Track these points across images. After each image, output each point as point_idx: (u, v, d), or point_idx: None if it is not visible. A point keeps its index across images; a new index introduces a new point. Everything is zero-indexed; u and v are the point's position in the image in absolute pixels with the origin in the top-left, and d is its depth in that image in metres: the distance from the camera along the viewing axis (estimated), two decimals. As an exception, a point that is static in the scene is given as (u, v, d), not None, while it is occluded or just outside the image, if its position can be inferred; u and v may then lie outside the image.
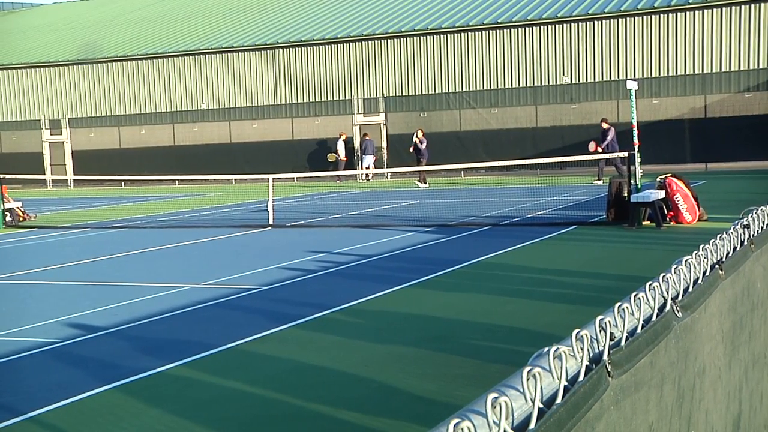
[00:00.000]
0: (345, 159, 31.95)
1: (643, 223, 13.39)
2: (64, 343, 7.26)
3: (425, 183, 25.97)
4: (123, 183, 33.49)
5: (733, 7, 29.21)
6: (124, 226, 17.94)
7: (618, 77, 29.40)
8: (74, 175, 36.00)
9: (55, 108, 40.61)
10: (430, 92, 33.32)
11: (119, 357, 6.74)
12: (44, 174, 36.22)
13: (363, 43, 36.17)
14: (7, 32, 51.90)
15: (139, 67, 40.40)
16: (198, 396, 5.63)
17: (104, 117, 38.17)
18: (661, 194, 13.40)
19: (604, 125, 23.17)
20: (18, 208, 19.69)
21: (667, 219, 13.42)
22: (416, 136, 26.96)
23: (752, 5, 28.93)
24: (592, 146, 22.40)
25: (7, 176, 19.85)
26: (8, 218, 19.06)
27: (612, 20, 31.16)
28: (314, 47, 37.06)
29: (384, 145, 32.75)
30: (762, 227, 3.12)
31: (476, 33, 33.74)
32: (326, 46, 36.85)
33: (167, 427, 5.05)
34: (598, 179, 22.59)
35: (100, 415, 5.28)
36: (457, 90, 32.87)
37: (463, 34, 34.10)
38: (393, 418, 5.05)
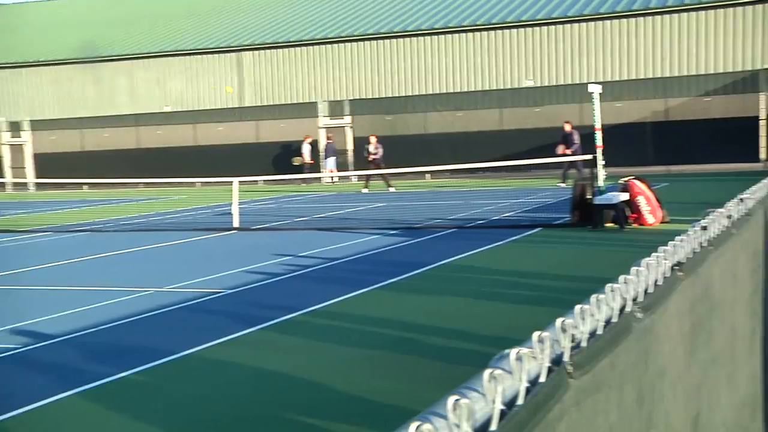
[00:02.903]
0: (311, 162, 31.90)
1: (607, 225, 13.55)
2: (23, 348, 7.16)
3: (391, 187, 26.05)
4: (86, 186, 33.10)
5: (694, 13, 29.68)
6: (87, 230, 17.74)
7: (581, 80, 29.71)
8: (36, 178, 35.52)
9: (16, 110, 40.03)
10: (395, 95, 33.40)
11: (82, 362, 6.66)
12: (3, 177, 35.66)
13: (328, 45, 36.15)
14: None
15: (102, 69, 39.97)
16: (163, 401, 5.59)
17: (67, 119, 37.71)
18: (624, 197, 13.56)
19: (567, 127, 23.34)
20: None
21: (630, 221, 13.58)
22: (370, 145, 27.05)
23: (712, 11, 29.42)
24: (560, 149, 22.58)
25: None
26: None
27: (575, 24, 31.49)
28: (278, 50, 36.96)
29: (350, 147, 32.75)
30: (720, 229, 3.18)
31: (441, 36, 33.89)
32: (291, 48, 36.77)
33: (133, 430, 5.01)
34: (563, 182, 22.79)
35: (62, 422, 5.22)
36: (422, 93, 32.99)
37: (428, 37, 34.22)
38: (360, 421, 5.06)
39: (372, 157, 26.95)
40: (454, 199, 21.27)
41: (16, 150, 37.21)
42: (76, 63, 40.07)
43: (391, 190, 25.65)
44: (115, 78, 39.74)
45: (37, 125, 37.32)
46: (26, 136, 36.94)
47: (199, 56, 38.30)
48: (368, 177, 26.26)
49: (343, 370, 6.07)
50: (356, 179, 31.67)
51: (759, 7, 28.74)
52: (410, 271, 10.22)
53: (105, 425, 5.16)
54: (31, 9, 56.13)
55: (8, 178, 35.47)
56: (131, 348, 7.08)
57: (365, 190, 25.97)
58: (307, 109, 33.60)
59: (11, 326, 8.10)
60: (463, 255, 11.42)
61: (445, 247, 12.47)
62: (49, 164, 35.93)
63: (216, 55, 38.02)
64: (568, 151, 22.39)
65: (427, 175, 29.69)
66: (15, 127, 37.56)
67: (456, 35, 33.73)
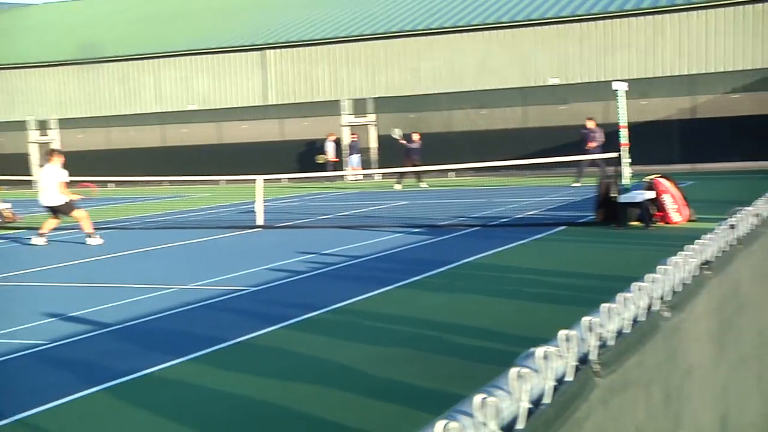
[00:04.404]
0: (335, 160, 31.94)
1: (632, 223, 13.44)
2: (51, 344, 7.23)
3: (423, 183, 26.14)
4: (112, 184, 33.34)
5: (721, 9, 29.37)
6: (113, 228, 17.87)
7: (607, 78, 29.49)
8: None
9: (43, 109, 40.44)
10: (419, 93, 33.34)
11: (107, 359, 6.71)
12: (31, 175, 36.00)
13: (352, 43, 36.17)
14: (-6, 33, 51.61)
15: (128, 68, 40.27)
16: (186, 397, 5.61)
17: (93, 118, 38.00)
18: (650, 195, 13.44)
19: (590, 124, 23.04)
20: (6, 209, 19.58)
21: (656, 219, 13.46)
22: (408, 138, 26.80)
23: (740, 7, 29.10)
24: (589, 143, 22.36)
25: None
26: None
27: (601, 21, 31.29)
28: (303, 48, 37.04)
29: (374, 145, 32.74)
30: (749, 227, 3.14)
31: (465, 34, 33.82)
32: (315, 46, 36.84)
33: (156, 428, 5.03)
34: (577, 181, 22.48)
35: (88, 417, 5.25)
36: (446, 91, 32.91)
37: (452, 34, 34.16)
38: (381, 418, 5.05)
39: (410, 145, 26.45)
40: (478, 197, 21.21)
41: (44, 148, 37.53)
42: (104, 62, 40.40)
43: (422, 186, 25.73)
44: (141, 77, 40.03)
45: (63, 124, 37.63)
46: (54, 135, 37.26)
47: (224, 55, 38.47)
48: (417, 174, 26.26)
49: (366, 368, 6.07)
50: (380, 177, 31.67)
51: (788, 3, 28.40)
52: (433, 269, 10.19)
53: (130, 421, 5.19)
54: (58, 9, 56.68)
55: (36, 176, 35.78)
56: (155, 345, 7.12)
57: (423, 185, 25.99)
58: (331, 107, 33.62)
59: (36, 323, 8.18)
60: (486, 253, 11.38)
61: (468, 245, 12.43)
62: (75, 162, 36.18)
63: (240, 54, 38.18)
64: (592, 145, 22.12)
65: (451, 173, 29.62)
66: (43, 126, 37.89)
67: (480, 33, 33.64)
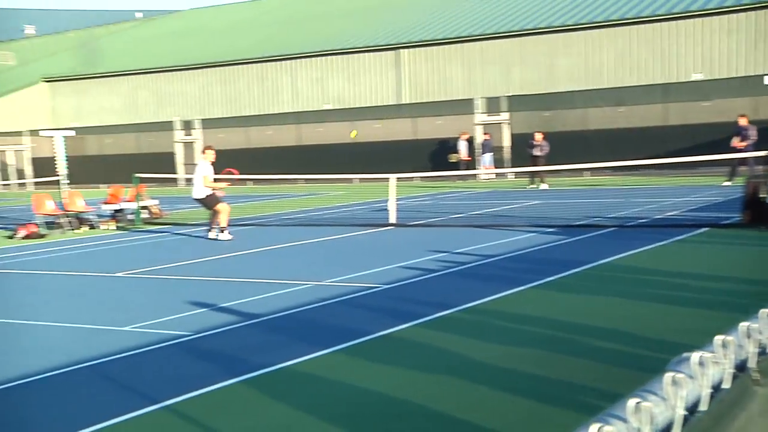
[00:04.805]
0: (468, 159, 31.82)
1: (782, 225, 12.71)
2: (195, 336, 7.52)
3: (544, 183, 25.58)
4: (250, 182, 34.45)
5: None
6: (250, 224, 18.46)
7: (756, 72, 28.03)
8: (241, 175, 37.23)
9: (188, 109, 42.26)
10: (554, 91, 32.75)
11: (246, 351, 6.92)
12: (176, 173, 37.66)
13: (485, 42, 35.93)
14: (145, 39, 54.43)
15: (266, 69, 41.51)
16: (321, 391, 5.70)
17: (234, 118, 39.37)
18: (802, 195, 12.68)
19: (743, 121, 22.00)
20: (154, 205, 20.57)
21: (809, 222, 12.68)
22: (536, 145, 26.28)
23: None
24: (735, 142, 21.40)
25: (144, 175, 20.75)
26: (145, 215, 19.94)
27: (747, 13, 29.77)
28: (436, 47, 37.08)
29: (507, 144, 32.38)
30: None
31: (603, 29, 32.95)
32: (448, 45, 36.81)
33: (292, 421, 5.14)
34: (729, 180, 21.52)
35: (227, 407, 5.43)
36: (582, 88, 32.17)
37: (589, 30, 33.37)
38: (514, 418, 4.97)
39: (536, 153, 26.18)
40: (614, 197, 20.61)
41: (188, 147, 39.24)
42: (244, 64, 41.80)
43: (543, 187, 25.19)
44: (278, 77, 41.18)
45: (207, 124, 39.16)
46: (197, 134, 38.86)
47: (358, 54, 39.03)
48: (533, 174, 25.83)
49: (498, 368, 5.99)
50: (513, 176, 31.30)
51: None
52: (567, 270, 9.97)
53: (268, 412, 5.32)
54: (201, 14, 59.06)
55: (181, 174, 37.45)
56: (290, 340, 7.29)
57: (536, 186, 25.61)
58: (464, 106, 33.50)
59: (180, 315, 8.54)
60: (623, 254, 11.03)
61: (604, 245, 12.09)
62: (217, 161, 37.58)
63: (374, 53, 38.62)
64: (741, 145, 21.12)
65: (586, 172, 28.93)
66: (188, 126, 39.58)
67: (619, 28, 32.70)
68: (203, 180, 15.50)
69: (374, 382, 5.81)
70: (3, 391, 6.04)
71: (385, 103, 37.14)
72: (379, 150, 33.99)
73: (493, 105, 32.98)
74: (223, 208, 15.54)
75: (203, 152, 16.26)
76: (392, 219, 16.73)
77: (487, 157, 31.69)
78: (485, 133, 32.17)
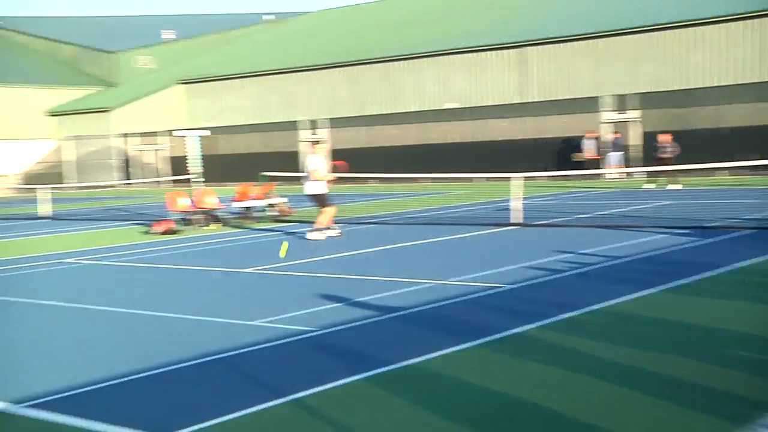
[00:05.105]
0: (594, 158, 31.07)
1: None
2: (321, 332, 7.64)
3: (676, 184, 24.63)
4: (373, 180, 34.78)
5: None
6: (373, 223, 18.62)
7: None
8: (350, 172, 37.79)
9: (314, 109, 43.07)
10: (687, 87, 31.52)
11: (371, 348, 6.98)
12: (300, 172, 38.45)
13: (614, 37, 34.99)
14: (274, 41, 55.89)
15: (391, 68, 41.82)
16: (446, 391, 5.67)
17: (359, 117, 39.82)
18: None
19: None
20: (282, 203, 21.06)
21: None
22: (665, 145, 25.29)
23: None
24: None
25: (271, 174, 21.29)
26: (273, 213, 20.45)
27: None
28: (562, 44, 36.40)
29: (636, 143, 31.40)
30: None
31: (740, 22, 31.48)
32: (574, 42, 36.06)
33: (417, 419, 5.13)
34: None
35: (353, 403, 5.48)
36: (718, 84, 30.84)
37: (725, 24, 31.95)
38: (647, 425, 4.80)
39: (662, 155, 25.33)
40: (754, 198, 19.65)
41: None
42: (368, 63, 42.26)
43: (673, 187, 24.25)
44: (403, 76, 41.41)
45: (333, 123, 39.77)
46: (323, 134, 39.57)
47: (483, 53, 38.76)
48: (655, 174, 24.95)
49: (628, 372, 5.80)
50: (645, 176, 30.33)
51: None
52: (701, 273, 9.57)
53: (391, 410, 5.33)
54: (330, 15, 60.06)
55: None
56: (414, 338, 7.29)
57: (659, 186, 24.77)
58: (591, 104, 32.72)
59: (306, 311, 8.70)
60: (762, 258, 10.49)
61: (741, 249, 11.54)
62: (342, 159, 38.10)
63: (498, 52, 38.27)
64: None
65: (723, 172, 27.68)
66: (313, 125, 40.33)
67: (758, 20, 31.15)
68: (315, 175, 15.60)
69: (499, 382, 5.74)
70: (138, 381, 6.32)
71: (508, 102, 36.73)
72: (502, 149, 33.65)
73: (621, 103, 32.06)
74: (329, 209, 15.61)
75: (314, 147, 16.32)
76: (516, 218, 16.51)
77: (616, 156, 30.84)
78: (615, 132, 31.30)
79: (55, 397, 5.92)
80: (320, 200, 15.70)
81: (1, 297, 10.50)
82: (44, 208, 25.87)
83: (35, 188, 29.25)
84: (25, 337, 8.27)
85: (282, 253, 12.54)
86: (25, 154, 49.56)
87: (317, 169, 15.57)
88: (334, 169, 17.31)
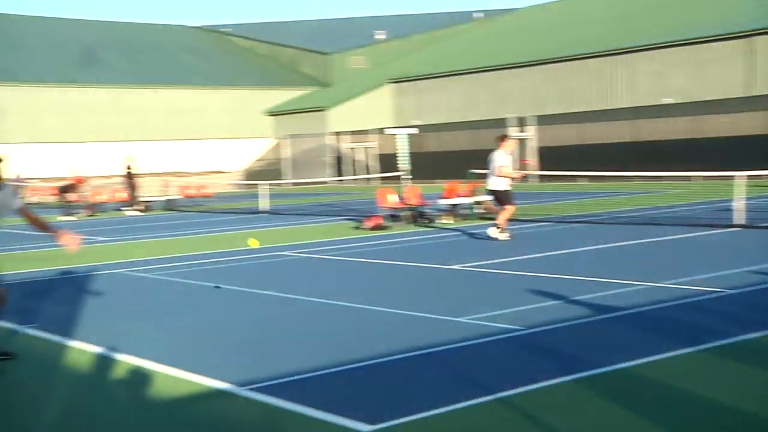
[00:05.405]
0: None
1: None
2: (528, 331, 7.54)
3: None
4: (584, 178, 33.91)
5: None
6: (585, 221, 18.15)
7: None
8: (541, 170, 37.36)
9: (522, 106, 42.64)
10: None
11: (580, 349, 6.79)
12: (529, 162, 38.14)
13: None
14: (482, 39, 55.97)
15: (602, 64, 40.61)
16: (659, 396, 5.41)
17: (567, 114, 38.97)
18: None
19: None
20: (489, 201, 21.01)
21: None
22: None
23: None
24: None
25: (479, 171, 21.25)
26: (480, 210, 20.46)
27: None
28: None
29: None
30: None
31: None
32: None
33: (627, 425, 4.93)
34: None
35: (561, 405, 5.36)
36: None
37: None
38: None
39: None
40: None
41: (522, 144, 39.63)
42: (577, 59, 41.24)
43: None
44: (615, 72, 40.06)
45: (540, 120, 39.20)
46: (531, 131, 39.09)
47: (703, 45, 36.71)
48: None
49: None
50: None
51: None
52: None
53: (600, 414, 5.17)
54: (539, 11, 59.33)
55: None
56: (625, 341, 7.02)
57: None
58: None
59: (512, 309, 8.61)
60: None
61: None
62: (551, 157, 37.37)
63: (721, 42, 36.08)
64: None
65: None
66: (521, 122, 39.94)
67: None
68: (499, 171, 15.26)
69: (718, 391, 5.40)
70: (350, 371, 6.52)
71: (733, 96, 34.49)
72: (724, 145, 31.67)
73: None
74: (509, 207, 15.23)
75: (502, 141, 15.67)
76: (739, 219, 15.48)
77: None
78: None
79: (274, 382, 6.24)
80: (502, 197, 15.38)
81: (226, 285, 11.23)
82: (263, 203, 27.42)
83: (256, 184, 31.07)
84: (245, 324, 8.79)
85: (253, 245, 13.54)
86: (247, 152, 52.81)
87: (502, 165, 15.24)
88: (522, 167, 16.92)
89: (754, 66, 35.03)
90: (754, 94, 34.03)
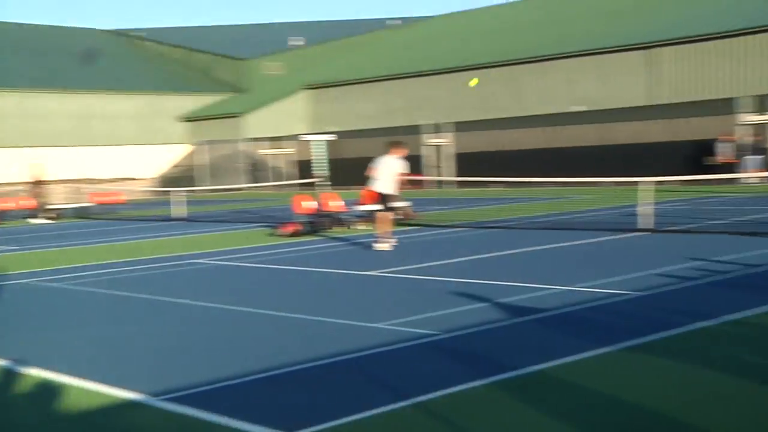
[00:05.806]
0: (729, 161, 29.74)
1: None
2: (444, 335, 7.62)
3: None
4: (500, 185, 34.49)
5: None
6: (498, 227, 18.45)
7: None
8: (456, 176, 37.73)
9: (438, 113, 43.08)
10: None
11: (495, 353, 6.90)
12: (422, 175, 38.53)
13: (753, 35, 33.44)
14: (397, 46, 56.37)
15: (515, 72, 41.41)
16: (572, 398, 5.55)
17: (482, 121, 39.56)
18: None
19: None
20: (407, 207, 21.14)
21: None
22: None
23: None
24: None
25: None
26: (398, 216, 20.54)
27: None
28: (691, 44, 35.11)
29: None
30: None
31: None
32: (706, 42, 34.70)
33: (541, 426, 5.04)
34: None
35: (476, 409, 5.43)
36: None
37: None
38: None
39: None
40: None
41: (437, 150, 40.03)
42: (490, 67, 41.96)
43: None
44: (527, 80, 40.91)
45: (456, 127, 39.67)
46: (447, 138, 39.48)
47: (609, 55, 37.86)
48: None
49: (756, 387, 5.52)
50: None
51: None
52: None
53: (515, 416, 5.26)
54: (453, 19, 60.11)
55: (435, 176, 38.30)
56: (537, 343, 7.17)
57: None
58: (725, 106, 31.33)
59: (428, 314, 8.70)
60: None
61: None
62: (467, 163, 37.82)
63: (625, 53, 37.28)
64: None
65: None
66: (437, 129, 40.32)
67: None
68: (393, 177, 15.05)
69: (627, 392, 5.56)
70: (262, 380, 6.47)
71: (636, 104, 35.66)
72: (630, 152, 32.70)
73: (761, 104, 30.56)
74: (386, 216, 15.08)
75: (394, 148, 15.41)
76: (645, 224, 16.01)
77: (753, 160, 29.42)
78: (756, 135, 29.86)
79: (187, 392, 6.14)
80: (387, 202, 15.23)
81: (139, 294, 11.00)
82: (178, 210, 26.97)
83: (170, 191, 30.53)
84: (158, 333, 8.63)
85: (473, 83, 12.52)
86: (160, 159, 51.83)
87: (394, 171, 15.09)
88: (408, 175, 16.77)
89: (659, 75, 36.28)
90: (657, 102, 35.24)
